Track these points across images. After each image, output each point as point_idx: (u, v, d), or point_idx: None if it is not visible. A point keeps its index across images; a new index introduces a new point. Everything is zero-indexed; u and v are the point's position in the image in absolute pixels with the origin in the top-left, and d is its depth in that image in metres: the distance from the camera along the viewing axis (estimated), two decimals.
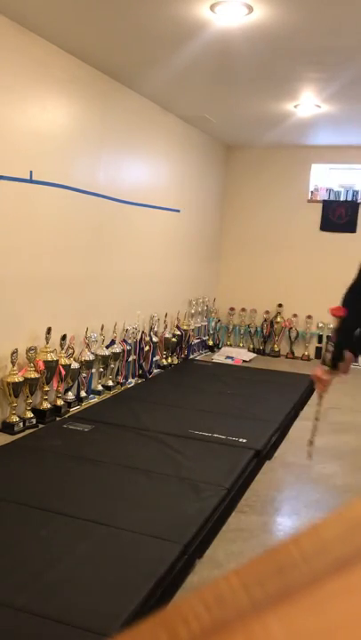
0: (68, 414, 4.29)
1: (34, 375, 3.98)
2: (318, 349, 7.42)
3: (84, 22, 3.66)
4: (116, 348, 5.05)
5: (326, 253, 7.33)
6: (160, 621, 0.32)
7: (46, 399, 4.15)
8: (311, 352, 7.43)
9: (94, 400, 4.73)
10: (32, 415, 4.02)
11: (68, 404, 4.40)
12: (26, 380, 3.92)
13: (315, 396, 5.39)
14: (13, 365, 3.84)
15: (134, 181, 5.49)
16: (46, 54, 4.04)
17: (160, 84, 4.93)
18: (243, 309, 7.73)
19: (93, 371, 4.82)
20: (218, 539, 2.68)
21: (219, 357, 6.98)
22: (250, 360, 7.04)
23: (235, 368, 6.54)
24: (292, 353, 7.48)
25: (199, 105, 5.65)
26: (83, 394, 4.63)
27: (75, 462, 3.37)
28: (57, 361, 4.16)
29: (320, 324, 7.38)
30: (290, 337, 7.47)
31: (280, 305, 7.53)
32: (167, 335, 6.09)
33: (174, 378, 5.80)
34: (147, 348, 5.57)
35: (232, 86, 4.91)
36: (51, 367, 4.10)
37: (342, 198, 7.31)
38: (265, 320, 7.57)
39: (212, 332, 7.47)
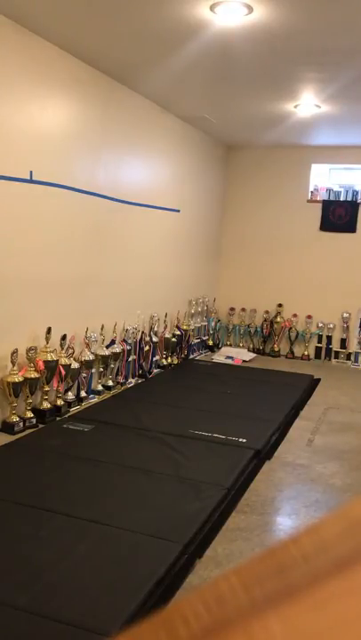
0: (68, 414, 4.29)
1: (34, 375, 3.98)
2: (318, 349, 7.43)
3: (85, 22, 3.66)
4: (116, 348, 5.05)
5: (326, 253, 7.33)
6: (160, 621, 0.32)
7: (46, 399, 4.15)
8: (311, 352, 7.43)
9: (94, 400, 4.73)
10: (32, 415, 4.01)
11: (68, 404, 4.40)
12: (26, 379, 3.92)
13: (315, 396, 5.40)
14: (13, 365, 3.84)
15: (134, 181, 5.49)
16: (46, 54, 4.04)
17: (160, 84, 4.93)
18: (243, 309, 7.73)
19: (93, 371, 4.82)
20: (218, 539, 2.68)
21: (219, 357, 6.98)
22: (250, 360, 7.04)
23: (235, 368, 6.55)
24: (292, 353, 7.48)
25: (199, 105, 5.65)
26: (83, 394, 4.62)
27: (75, 462, 3.38)
28: (57, 361, 4.16)
29: (320, 324, 7.39)
30: (290, 337, 7.47)
31: (280, 305, 7.53)
32: (167, 335, 6.09)
33: (174, 378, 5.80)
34: (147, 348, 5.57)
35: (232, 86, 4.91)
36: (51, 367, 4.10)
37: (342, 198, 7.31)
38: (265, 320, 7.57)
39: (212, 331, 7.47)
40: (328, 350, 7.35)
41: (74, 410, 4.41)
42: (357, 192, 7.25)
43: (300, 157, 7.37)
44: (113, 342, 5.07)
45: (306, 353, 7.41)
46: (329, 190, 7.39)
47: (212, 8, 3.31)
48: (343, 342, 7.30)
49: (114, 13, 3.47)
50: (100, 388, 4.90)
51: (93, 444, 3.68)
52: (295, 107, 5.36)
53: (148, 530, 2.59)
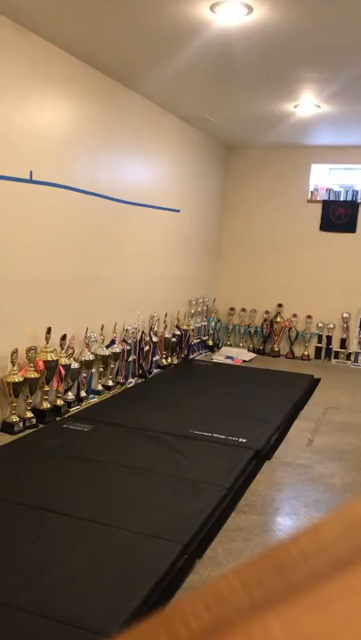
0: (68, 414, 4.29)
1: (34, 375, 3.98)
2: (318, 349, 7.43)
3: (84, 22, 3.66)
4: (116, 348, 5.05)
5: (326, 253, 7.33)
6: (160, 621, 0.32)
7: (46, 399, 4.15)
8: (311, 352, 7.43)
9: (94, 400, 4.73)
10: (32, 415, 4.02)
11: (68, 404, 4.40)
12: (26, 379, 3.92)
13: (315, 396, 5.40)
14: (13, 365, 3.84)
15: (134, 181, 5.49)
16: (46, 54, 4.04)
17: (160, 83, 4.93)
18: (243, 309, 7.73)
19: (93, 371, 4.82)
20: (218, 538, 2.68)
21: (219, 357, 6.97)
22: (250, 360, 7.04)
23: (235, 368, 6.54)
24: (292, 353, 7.48)
25: (199, 105, 5.65)
26: (83, 394, 4.62)
27: (75, 462, 3.37)
28: (57, 361, 4.16)
29: (320, 324, 7.39)
30: (290, 337, 7.47)
31: (280, 305, 7.53)
32: (167, 335, 6.09)
33: (174, 378, 5.80)
34: (147, 348, 5.57)
35: (232, 86, 4.91)
36: (51, 367, 4.10)
37: (342, 198, 7.31)
38: (265, 320, 7.57)
39: (212, 331, 7.47)
40: (328, 350, 7.35)
41: (74, 410, 4.41)
42: (357, 192, 7.25)
43: (300, 157, 7.37)
44: (113, 342, 5.07)
45: (306, 353, 7.41)
46: (329, 190, 7.39)
47: (212, 8, 3.31)
48: (343, 342, 7.30)
49: (114, 13, 3.47)
50: (100, 387, 4.90)
51: (93, 444, 3.68)
52: (295, 107, 5.36)
53: (148, 530, 2.59)
